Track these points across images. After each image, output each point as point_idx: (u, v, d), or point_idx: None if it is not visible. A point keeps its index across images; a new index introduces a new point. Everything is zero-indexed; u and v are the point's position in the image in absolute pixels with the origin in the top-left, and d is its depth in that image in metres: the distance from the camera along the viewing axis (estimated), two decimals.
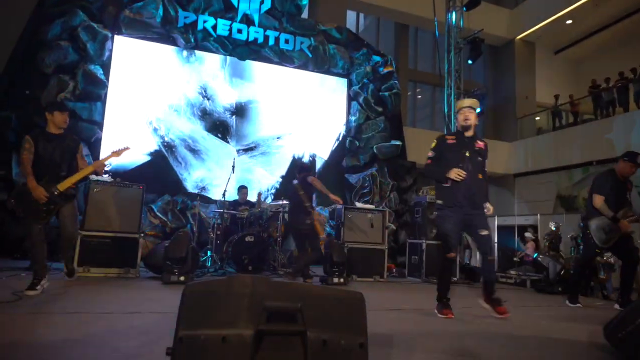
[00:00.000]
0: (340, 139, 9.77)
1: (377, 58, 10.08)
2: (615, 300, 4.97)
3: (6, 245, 6.29)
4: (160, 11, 8.15)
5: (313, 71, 9.54)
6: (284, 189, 8.58)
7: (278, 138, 9.09)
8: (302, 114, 9.41)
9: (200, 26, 8.47)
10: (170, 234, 7.21)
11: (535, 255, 6.71)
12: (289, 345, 1.53)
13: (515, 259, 8.10)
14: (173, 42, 8.43)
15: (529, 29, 14.70)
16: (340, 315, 1.62)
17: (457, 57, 9.47)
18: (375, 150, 9.57)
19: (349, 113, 9.91)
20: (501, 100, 15.52)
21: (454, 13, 9.56)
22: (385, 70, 9.99)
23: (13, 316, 2.69)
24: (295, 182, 5.46)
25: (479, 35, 9.52)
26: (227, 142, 8.66)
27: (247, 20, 8.88)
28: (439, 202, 3.61)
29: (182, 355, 1.44)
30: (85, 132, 7.36)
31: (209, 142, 8.51)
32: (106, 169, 3.89)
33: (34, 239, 3.56)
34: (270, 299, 1.56)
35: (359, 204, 7.13)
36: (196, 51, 8.62)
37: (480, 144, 3.65)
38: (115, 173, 5.76)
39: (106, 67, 7.80)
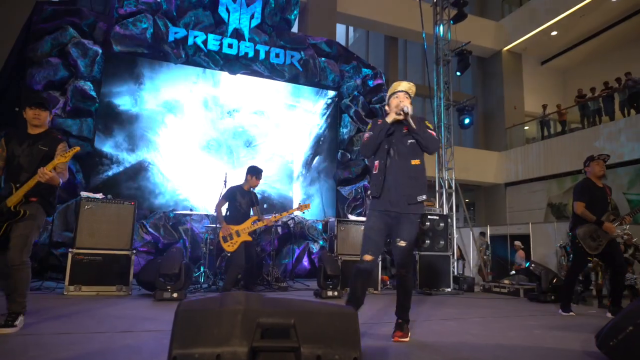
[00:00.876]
0: (320, 147, 9.82)
1: (367, 71, 10.18)
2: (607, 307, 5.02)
3: None
4: (151, 27, 8.20)
5: (304, 85, 9.62)
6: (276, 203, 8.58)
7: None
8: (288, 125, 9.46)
9: (190, 41, 8.52)
10: (163, 250, 7.16)
11: (527, 264, 6.75)
12: None
13: (512, 272, 8.17)
14: (164, 57, 8.46)
15: (515, 40, 15.01)
16: (333, 331, 1.63)
17: (446, 69, 9.61)
18: (366, 162, 9.61)
19: (339, 126, 9.97)
20: (490, 111, 15.74)
21: (441, 26, 9.72)
22: (375, 83, 10.09)
23: (1, 338, 2.65)
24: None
25: (467, 47, 9.68)
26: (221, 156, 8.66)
27: (238, 35, 8.95)
28: (369, 192, 3.27)
29: None
30: None
31: (201, 156, 8.50)
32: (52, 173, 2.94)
33: None
34: (264, 316, 1.56)
35: (351, 217, 7.14)
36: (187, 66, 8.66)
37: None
38: (107, 188, 5.74)
39: (96, 83, 7.80)
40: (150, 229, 7.49)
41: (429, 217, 7.03)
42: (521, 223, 10.45)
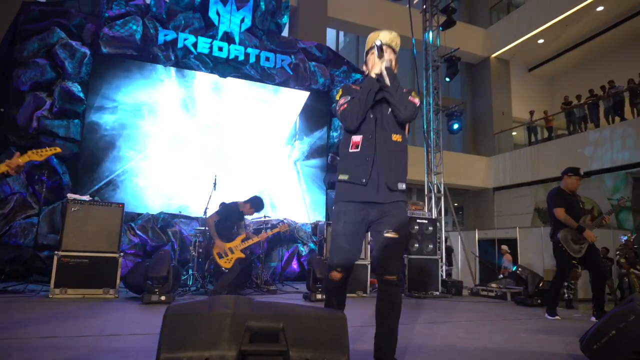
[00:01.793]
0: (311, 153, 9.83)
1: (357, 75, 10.23)
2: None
3: None
4: (140, 29, 8.15)
5: (294, 88, 9.63)
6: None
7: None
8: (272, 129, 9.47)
9: (180, 44, 8.49)
10: (151, 253, 7.10)
11: (515, 268, 6.82)
12: None
13: (500, 276, 8.25)
14: (153, 60, 8.42)
15: (503, 47, 15.21)
16: (322, 334, 1.63)
17: (435, 75, 9.70)
18: None
19: (330, 129, 10.00)
20: (479, 116, 15.91)
21: (430, 32, 9.82)
22: None
23: None
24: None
25: (456, 53, 9.79)
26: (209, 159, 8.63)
27: (228, 38, 8.94)
28: (340, 177, 2.28)
29: None
30: (63, 150, 7.21)
31: (190, 158, 8.46)
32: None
33: None
34: (253, 319, 1.56)
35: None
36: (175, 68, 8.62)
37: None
38: (94, 190, 5.68)
39: (84, 85, 7.73)
40: (138, 232, 7.43)
41: (417, 220, 7.07)
42: (509, 227, 10.55)
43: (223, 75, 8.96)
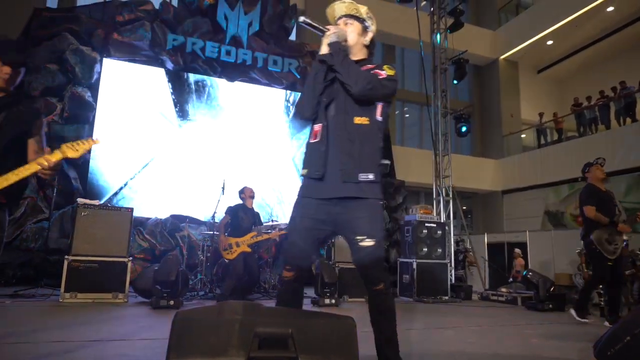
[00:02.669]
0: None
1: None
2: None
3: None
4: (149, 34, 8.22)
5: (301, 92, 9.64)
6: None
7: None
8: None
9: (189, 48, 8.54)
10: (160, 257, 7.13)
11: (525, 272, 6.75)
12: None
13: (510, 280, 8.16)
14: (162, 64, 8.48)
15: (512, 49, 15.12)
16: (331, 340, 1.62)
17: (443, 77, 9.66)
18: None
19: None
20: (487, 119, 15.81)
21: (438, 35, 9.79)
22: None
23: None
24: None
25: (464, 55, 9.74)
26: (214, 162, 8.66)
27: (236, 43, 8.98)
28: (302, 172, 2.07)
29: None
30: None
31: (198, 162, 8.49)
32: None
33: None
34: (261, 325, 1.55)
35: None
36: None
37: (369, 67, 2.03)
38: (104, 195, 5.72)
39: (94, 89, 7.80)
40: (147, 236, 7.46)
41: (426, 224, 7.03)
42: (518, 231, 10.46)
43: (231, 79, 8.99)
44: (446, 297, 6.81)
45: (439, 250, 7.01)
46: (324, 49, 2.00)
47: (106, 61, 7.99)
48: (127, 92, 8.19)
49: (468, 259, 9.37)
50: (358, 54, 2.10)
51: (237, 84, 9.09)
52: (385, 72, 1.95)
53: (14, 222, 6.71)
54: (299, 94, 9.53)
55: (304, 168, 2.04)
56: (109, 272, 4.91)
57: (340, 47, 1.98)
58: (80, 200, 5.12)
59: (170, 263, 4.76)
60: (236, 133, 8.96)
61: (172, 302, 4.54)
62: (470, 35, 12.90)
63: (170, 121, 8.47)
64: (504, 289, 7.24)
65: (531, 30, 14.31)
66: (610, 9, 12.59)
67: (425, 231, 6.97)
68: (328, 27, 2.02)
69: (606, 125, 12.15)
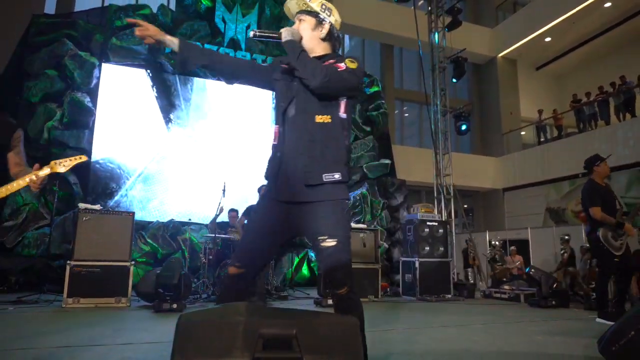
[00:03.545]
0: None
1: (363, 78, 10.24)
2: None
3: None
4: None
5: None
6: None
7: None
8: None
9: None
10: (162, 260, 7.13)
11: (528, 269, 6.74)
12: None
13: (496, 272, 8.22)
14: (160, 68, 8.49)
15: (510, 46, 15.11)
16: (336, 340, 1.61)
17: (442, 76, 9.67)
18: (365, 170, 9.62)
19: None
20: (487, 117, 15.82)
21: (436, 33, 9.80)
22: (372, 90, 10.13)
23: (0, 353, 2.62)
24: None
25: (462, 54, 9.75)
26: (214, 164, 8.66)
27: (234, 45, 9.00)
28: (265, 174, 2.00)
29: None
30: None
31: (197, 165, 8.50)
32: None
33: None
34: (265, 326, 1.55)
35: (351, 224, 7.12)
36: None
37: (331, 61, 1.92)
38: (105, 199, 5.73)
39: (93, 95, 7.81)
40: (148, 240, 7.46)
41: (428, 223, 7.03)
42: (520, 228, 10.45)
43: (230, 81, 8.99)
44: (449, 296, 6.80)
45: (441, 248, 7.01)
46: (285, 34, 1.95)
47: (105, 66, 7.99)
48: (126, 97, 8.20)
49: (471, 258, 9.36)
50: (317, 49, 1.98)
51: (236, 87, 9.08)
52: (344, 65, 1.85)
53: (15, 228, 6.72)
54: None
55: (265, 171, 1.98)
56: (112, 276, 4.91)
57: (295, 45, 1.91)
58: (81, 205, 5.11)
59: (173, 266, 4.76)
60: (236, 135, 8.96)
61: (175, 306, 4.53)
62: (469, 34, 12.91)
63: (170, 124, 8.47)
64: (506, 287, 7.23)
65: (529, 28, 14.31)
66: (608, 4, 12.58)
67: (426, 230, 6.96)
68: (280, 31, 1.96)
69: (606, 120, 12.14)
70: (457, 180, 9.72)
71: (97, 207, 5.17)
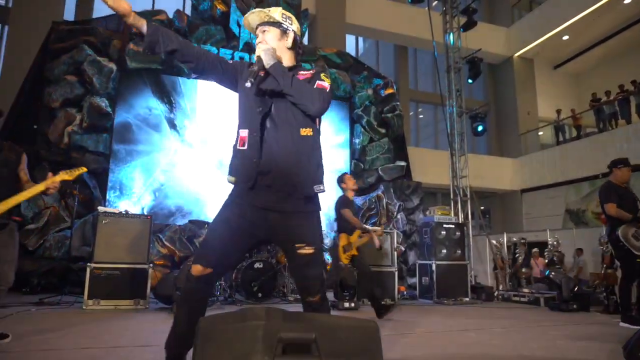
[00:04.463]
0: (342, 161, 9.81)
1: (378, 80, 10.21)
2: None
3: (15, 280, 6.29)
4: None
5: None
6: None
7: None
8: None
9: None
10: (179, 263, 7.20)
11: (547, 272, 6.62)
12: None
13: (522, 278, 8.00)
14: (177, 72, 8.59)
15: (526, 46, 14.92)
16: (355, 345, 1.61)
17: (457, 77, 9.58)
18: (380, 172, 9.58)
19: (352, 136, 9.98)
20: (503, 117, 15.62)
21: (451, 34, 9.72)
22: (387, 93, 10.09)
23: (23, 354, 2.67)
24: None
25: (477, 54, 9.65)
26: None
27: (249, 49, 9.05)
28: (228, 178, 1.99)
29: None
30: (93, 164, 7.44)
31: (215, 167, 8.57)
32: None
33: None
34: (285, 330, 1.55)
35: (367, 226, 7.07)
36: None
37: (304, 74, 1.95)
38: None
39: (112, 99, 7.94)
40: (166, 242, 7.54)
41: (444, 225, 6.96)
42: (539, 230, 10.26)
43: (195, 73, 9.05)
44: (467, 299, 6.73)
45: (458, 251, 6.94)
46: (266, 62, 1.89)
47: (122, 71, 8.12)
48: (144, 101, 8.32)
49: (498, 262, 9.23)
50: (284, 60, 1.98)
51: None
52: (327, 84, 1.90)
53: (37, 231, 6.85)
54: None
55: (231, 175, 1.94)
56: (130, 278, 4.98)
57: (284, 70, 1.88)
58: (100, 208, 5.20)
59: None
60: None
61: None
62: (484, 34, 12.78)
63: (187, 126, 8.56)
64: (525, 290, 7.11)
65: (546, 26, 14.10)
66: (627, 1, 12.33)
67: (443, 232, 6.90)
68: (257, 55, 1.92)
69: (627, 119, 11.88)
70: (473, 182, 9.61)
71: (116, 210, 5.25)
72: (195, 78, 8.71)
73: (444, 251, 6.82)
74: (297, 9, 9.61)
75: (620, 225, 4.39)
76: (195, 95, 8.75)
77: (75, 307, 4.86)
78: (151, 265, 5.19)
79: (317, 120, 1.94)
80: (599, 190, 4.71)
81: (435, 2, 13.24)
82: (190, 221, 7.93)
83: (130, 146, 8.06)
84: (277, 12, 1.96)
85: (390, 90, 10.13)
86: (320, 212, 1.94)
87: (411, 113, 14.93)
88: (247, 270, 5.80)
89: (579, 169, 12.24)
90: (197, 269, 1.84)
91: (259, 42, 1.95)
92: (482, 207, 14.14)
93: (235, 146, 1.96)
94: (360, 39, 15.43)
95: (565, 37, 14.20)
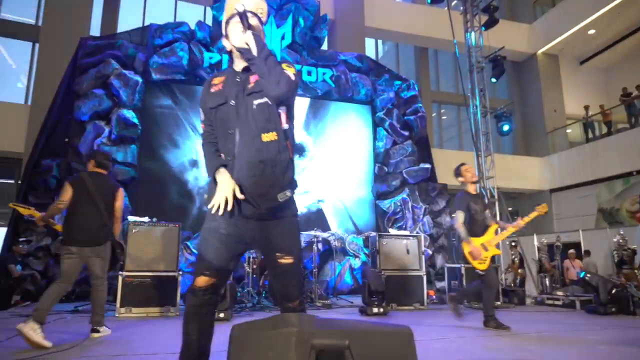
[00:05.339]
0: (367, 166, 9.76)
1: (399, 83, 10.14)
2: None
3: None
4: (187, 54, 8.50)
5: (337, 101, 9.66)
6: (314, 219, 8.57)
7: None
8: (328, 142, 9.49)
9: (225, 65, 8.75)
10: None
11: (582, 274, 6.40)
12: None
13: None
14: (200, 82, 8.73)
15: (550, 42, 14.57)
16: (389, 351, 1.58)
17: (480, 76, 9.42)
18: (404, 175, 9.49)
19: (375, 139, 9.92)
20: (529, 116, 15.27)
21: (472, 33, 9.57)
22: (408, 94, 10.01)
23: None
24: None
25: (500, 52, 9.47)
26: None
27: None
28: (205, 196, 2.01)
29: None
30: (122, 174, 7.62)
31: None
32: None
33: None
34: (318, 337, 1.53)
35: (392, 231, 7.02)
36: None
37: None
38: (152, 211, 5.90)
39: (138, 111, 8.13)
40: (194, 250, 7.64)
41: None
42: (570, 230, 9.96)
43: None
44: (498, 302, 6.55)
45: None
46: (240, 42, 1.86)
47: (148, 83, 8.31)
48: (168, 111, 8.48)
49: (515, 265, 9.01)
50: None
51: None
52: (291, 73, 1.83)
53: None
54: (334, 102, 9.57)
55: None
56: (161, 286, 5.06)
57: (263, 42, 1.85)
58: (130, 217, 5.31)
59: None
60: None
61: (222, 315, 4.60)
62: (506, 31, 12.55)
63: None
64: (560, 293, 6.89)
65: (570, 21, 13.74)
66: None
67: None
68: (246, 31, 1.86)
69: None
70: (500, 182, 9.41)
71: (145, 219, 5.35)
72: None
73: None
74: (316, 15, 9.65)
75: None
76: None
77: (108, 315, 4.93)
78: (180, 272, 5.26)
79: (283, 118, 1.88)
80: None
81: (455, 1, 13.09)
82: None
83: (156, 156, 8.22)
84: (265, 10, 2.01)
85: (412, 92, 10.05)
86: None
87: (434, 114, 14.75)
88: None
89: (611, 166, 11.83)
90: (202, 280, 1.88)
91: (245, 26, 1.83)
92: (509, 208, 13.82)
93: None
94: (380, 42, 15.38)
95: (592, 31, 13.81)
